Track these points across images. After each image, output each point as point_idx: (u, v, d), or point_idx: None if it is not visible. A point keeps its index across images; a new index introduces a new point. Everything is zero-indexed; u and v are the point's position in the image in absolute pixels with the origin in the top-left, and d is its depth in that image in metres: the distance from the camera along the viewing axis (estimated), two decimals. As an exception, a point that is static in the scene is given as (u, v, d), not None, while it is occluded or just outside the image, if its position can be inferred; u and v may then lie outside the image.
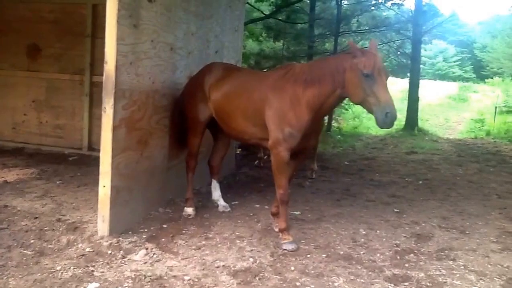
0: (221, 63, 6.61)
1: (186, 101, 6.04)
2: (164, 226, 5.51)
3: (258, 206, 6.21)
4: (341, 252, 5.06)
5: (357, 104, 4.86)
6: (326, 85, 4.86)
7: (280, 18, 15.24)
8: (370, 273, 4.58)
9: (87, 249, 4.70)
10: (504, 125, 20.79)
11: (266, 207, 6.25)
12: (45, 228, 5.20)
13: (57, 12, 9.27)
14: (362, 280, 4.41)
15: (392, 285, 4.36)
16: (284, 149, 5.06)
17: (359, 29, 17.36)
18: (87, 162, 8.56)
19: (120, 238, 4.95)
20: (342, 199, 7.20)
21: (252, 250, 4.95)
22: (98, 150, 8.82)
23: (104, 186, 4.91)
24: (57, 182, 7.16)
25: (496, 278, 4.63)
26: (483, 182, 9.09)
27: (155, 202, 5.94)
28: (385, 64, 4.84)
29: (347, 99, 5.24)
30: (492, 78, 47.39)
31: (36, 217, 5.53)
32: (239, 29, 8.41)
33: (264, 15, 15.10)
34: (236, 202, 6.56)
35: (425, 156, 12.01)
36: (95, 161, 8.39)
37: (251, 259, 4.71)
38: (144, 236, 5.12)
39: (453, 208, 7.04)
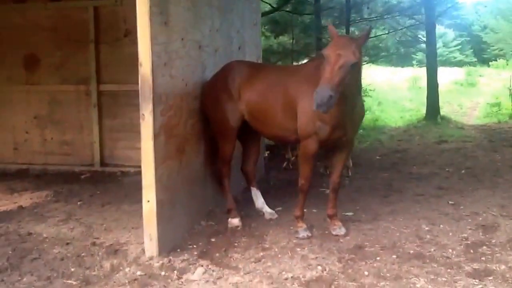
0: (242, 61, 6.60)
1: (210, 105, 5.94)
2: (212, 240, 5.44)
3: (305, 210, 6.17)
4: (411, 251, 5.02)
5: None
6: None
7: (287, 10, 15.16)
8: (449, 270, 4.55)
9: (138, 273, 4.61)
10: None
11: (314, 210, 6.21)
12: (82, 254, 5.10)
13: (55, 18, 9.11)
14: (443, 279, 4.38)
15: (477, 281, 4.32)
16: (314, 140, 5.20)
17: (370, 17, 17.38)
18: (102, 179, 8.48)
19: (171, 257, 4.87)
20: (389, 196, 7.17)
21: (316, 257, 4.89)
22: (112, 165, 9.00)
23: (148, 201, 4.79)
24: (78, 203, 7.06)
25: None
26: (526, 167, 9.12)
27: (197, 215, 5.87)
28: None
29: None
30: (496, 60, 47.72)
31: (68, 243, 5.43)
32: (257, 22, 8.34)
33: (272, 8, 15.00)
34: (280, 208, 6.49)
35: (457, 145, 12.01)
36: (111, 177, 8.44)
37: (319, 267, 4.65)
38: (195, 253, 5.04)
39: (508, 195, 7.02)
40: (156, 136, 4.77)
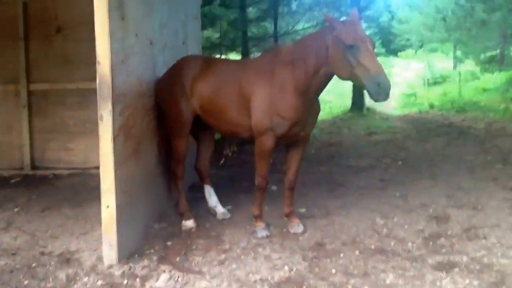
0: (196, 55, 6.49)
1: (164, 101, 5.75)
2: (169, 243, 5.25)
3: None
4: (372, 246, 5.05)
5: (346, 79, 4.79)
6: (311, 64, 4.84)
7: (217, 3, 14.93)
8: (414, 264, 4.60)
9: (99, 282, 4.37)
10: (444, 96, 21.93)
11: (266, 208, 6.13)
12: (33, 265, 4.78)
13: (-21, 13, 8.51)
14: (411, 273, 4.42)
15: (444, 273, 4.39)
16: (270, 137, 5.08)
17: (299, 10, 17.48)
18: (35, 183, 8.00)
19: (131, 264, 4.66)
20: (335, 190, 7.19)
21: (280, 257, 4.82)
22: (43, 168, 8.52)
23: (108, 207, 4.55)
24: (15, 209, 6.63)
25: (538, 252, 4.82)
26: (458, 156, 9.43)
27: (150, 218, 5.66)
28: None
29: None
30: (403, 50, 49.59)
31: (13, 254, 5.08)
32: (198, 16, 8.15)
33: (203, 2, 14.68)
34: (229, 207, 6.37)
35: (387, 136, 12.28)
36: (44, 181, 8.01)
37: (285, 267, 4.58)
38: (154, 258, 4.84)
39: (449, 185, 7.25)
40: (115, 137, 4.56)
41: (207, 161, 6.32)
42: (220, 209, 6.12)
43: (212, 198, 6.22)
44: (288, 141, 5.39)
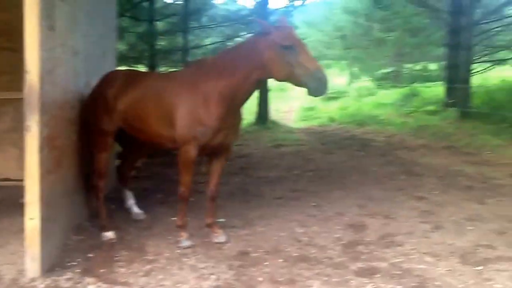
0: (122, 70, 6.49)
1: (89, 114, 5.72)
2: (90, 255, 5.09)
3: (174, 219, 6.01)
4: (295, 254, 5.13)
5: (282, 80, 4.95)
6: (240, 72, 4.96)
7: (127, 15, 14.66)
8: (336, 271, 4.73)
9: (20, 297, 4.18)
10: (344, 110, 22.76)
11: (188, 218, 6.06)
12: None
13: None
14: (335, 280, 4.53)
15: (367, 279, 4.55)
16: (194, 147, 5.12)
17: (209, 24, 17.56)
18: None
19: (54, 277, 4.49)
20: (251, 200, 7.26)
21: (206, 266, 4.81)
22: None
23: (31, 219, 4.40)
24: None
25: (450, 256, 5.07)
26: (364, 167, 9.80)
27: (69, 230, 5.50)
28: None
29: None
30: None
31: None
32: (115, 28, 8.04)
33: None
34: (146, 217, 6.30)
35: (294, 148, 12.53)
36: None
37: (212, 277, 4.57)
38: (77, 271, 4.69)
39: (360, 195, 7.51)
40: (41, 148, 4.42)
41: (132, 166, 6.45)
42: (135, 210, 6.30)
43: (130, 200, 6.39)
44: (211, 150, 5.41)
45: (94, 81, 6.03)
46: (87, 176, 5.97)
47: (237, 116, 5.39)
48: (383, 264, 4.89)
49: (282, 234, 5.74)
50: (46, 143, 4.57)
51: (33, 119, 4.35)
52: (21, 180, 7.29)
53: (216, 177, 5.58)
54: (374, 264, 4.89)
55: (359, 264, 4.89)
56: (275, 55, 4.76)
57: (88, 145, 5.83)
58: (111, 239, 5.55)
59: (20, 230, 5.41)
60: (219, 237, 5.50)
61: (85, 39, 5.91)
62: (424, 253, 5.19)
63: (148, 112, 5.38)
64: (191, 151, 5.15)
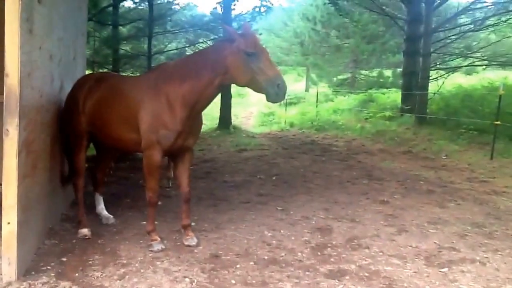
0: (95, 73, 6.68)
1: (65, 116, 5.84)
2: (64, 259, 5.05)
3: (144, 223, 6.02)
4: (265, 257, 5.21)
5: (243, 86, 5.12)
6: (204, 76, 5.06)
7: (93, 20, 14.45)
8: (307, 273, 4.82)
9: (-4, 301, 4.15)
10: (303, 115, 22.99)
11: (156, 222, 6.06)
12: None
13: None
14: (306, 281, 4.62)
15: (337, 281, 4.65)
16: (158, 151, 5.20)
17: (173, 29, 17.52)
18: None
19: (30, 281, 4.45)
20: (218, 204, 7.31)
21: (179, 269, 4.83)
22: None
23: (8, 223, 4.33)
24: None
25: (416, 258, 5.25)
26: (326, 172, 9.98)
27: (41, 234, 5.44)
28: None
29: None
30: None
31: None
32: (85, 33, 7.98)
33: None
34: (117, 222, 6.31)
35: (257, 153, 12.62)
36: None
37: (186, 279, 4.60)
38: (52, 275, 4.65)
39: (325, 199, 7.66)
40: (19, 152, 4.36)
41: (105, 170, 6.49)
42: (104, 214, 6.36)
43: (100, 205, 6.43)
44: (173, 153, 5.49)
45: (67, 85, 6.05)
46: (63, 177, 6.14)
47: (197, 119, 5.49)
48: (352, 266, 5.01)
49: (251, 238, 5.82)
50: (24, 147, 4.51)
51: (12, 123, 4.28)
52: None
53: (185, 179, 5.63)
54: (343, 266, 5.01)
55: (329, 267, 4.99)
56: (238, 61, 4.89)
57: (67, 146, 5.95)
58: (84, 235, 5.64)
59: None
60: (190, 239, 5.54)
61: (60, 42, 5.87)
62: (390, 255, 5.34)
63: (112, 115, 5.45)
64: (155, 155, 5.22)
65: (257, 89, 4.93)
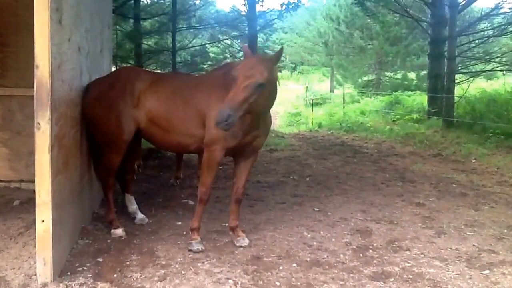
0: (136, 67, 6.44)
1: (101, 113, 5.51)
2: (100, 260, 4.98)
3: (180, 223, 6.02)
4: (307, 259, 5.13)
5: None
6: None
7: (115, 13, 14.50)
8: (351, 275, 4.75)
9: (34, 303, 4.09)
10: (331, 116, 22.89)
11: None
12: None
13: None
14: (352, 283, 4.56)
15: (382, 283, 4.58)
16: (221, 147, 5.16)
17: (197, 26, 17.48)
18: None
19: (66, 282, 4.36)
20: (254, 205, 7.23)
21: (221, 271, 4.77)
22: None
23: (43, 221, 4.20)
24: None
25: (457, 261, 5.17)
26: (359, 173, 9.86)
27: (75, 233, 5.34)
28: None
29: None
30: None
31: None
32: (111, 25, 7.89)
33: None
34: (151, 221, 6.30)
35: (288, 153, 12.54)
36: None
37: (230, 281, 4.54)
38: (89, 276, 4.57)
39: (361, 200, 7.56)
40: (52, 147, 4.23)
41: (132, 171, 6.40)
42: (139, 215, 6.27)
43: (132, 205, 6.34)
44: (238, 152, 5.42)
45: (94, 78, 5.91)
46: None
47: (266, 118, 5.38)
48: (395, 268, 4.93)
49: (291, 239, 5.74)
50: (57, 142, 4.39)
51: (43, 117, 4.14)
52: (11, 182, 7.19)
53: (243, 179, 5.57)
54: (386, 268, 4.93)
55: (372, 269, 4.91)
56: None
57: (100, 144, 5.76)
58: (120, 236, 5.59)
59: (19, 233, 5.39)
60: (241, 240, 5.49)
61: (87, 34, 5.74)
62: (432, 257, 5.26)
63: (178, 111, 5.41)
64: (218, 151, 5.18)
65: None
